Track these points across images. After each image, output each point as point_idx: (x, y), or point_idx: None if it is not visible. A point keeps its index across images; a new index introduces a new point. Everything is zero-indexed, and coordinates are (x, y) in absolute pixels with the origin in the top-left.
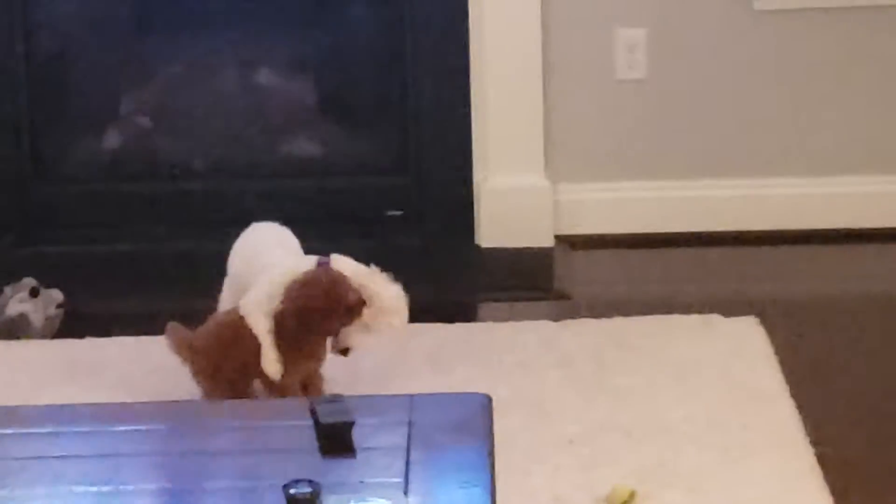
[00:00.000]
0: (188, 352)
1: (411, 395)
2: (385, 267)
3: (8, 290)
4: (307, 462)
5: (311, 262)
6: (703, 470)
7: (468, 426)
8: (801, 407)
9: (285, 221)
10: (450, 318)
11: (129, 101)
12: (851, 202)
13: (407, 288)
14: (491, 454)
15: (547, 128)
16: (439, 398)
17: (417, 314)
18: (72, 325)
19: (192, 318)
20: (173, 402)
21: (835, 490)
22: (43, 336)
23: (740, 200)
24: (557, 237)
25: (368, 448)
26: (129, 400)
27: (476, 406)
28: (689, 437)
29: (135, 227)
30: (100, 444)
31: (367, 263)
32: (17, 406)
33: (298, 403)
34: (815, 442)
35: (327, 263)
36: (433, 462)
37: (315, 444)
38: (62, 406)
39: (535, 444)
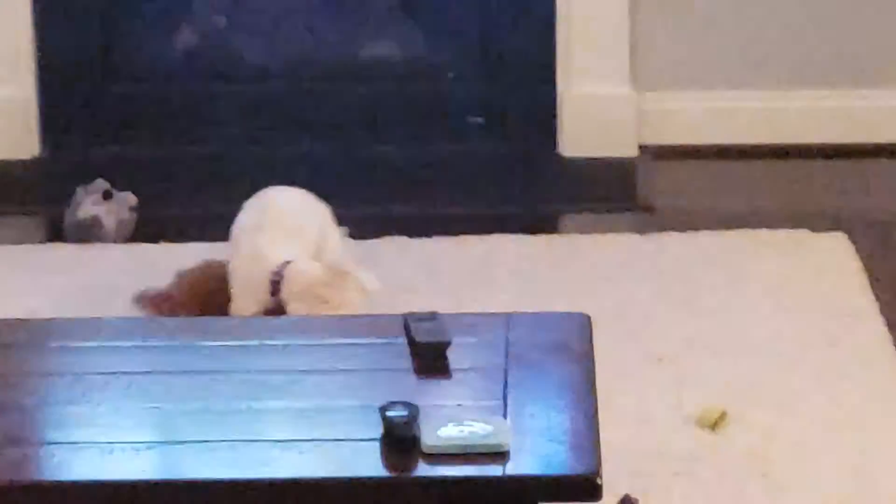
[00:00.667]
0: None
1: (508, 314)
2: (466, 174)
3: (80, 191)
4: (402, 382)
5: (271, 264)
6: (794, 390)
7: (567, 346)
8: (892, 325)
9: (365, 126)
10: (532, 230)
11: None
12: None
13: (488, 196)
14: (592, 376)
15: (633, 34)
16: (537, 318)
17: (499, 224)
18: (145, 229)
19: None
20: (263, 318)
21: None
22: (115, 240)
23: (829, 112)
24: (642, 147)
25: (465, 369)
26: None
27: (575, 326)
28: (779, 357)
29: (210, 129)
30: (186, 360)
31: (445, 172)
32: (98, 318)
33: (392, 321)
34: None
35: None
36: (532, 384)
37: (410, 363)
38: (148, 319)
39: (623, 361)
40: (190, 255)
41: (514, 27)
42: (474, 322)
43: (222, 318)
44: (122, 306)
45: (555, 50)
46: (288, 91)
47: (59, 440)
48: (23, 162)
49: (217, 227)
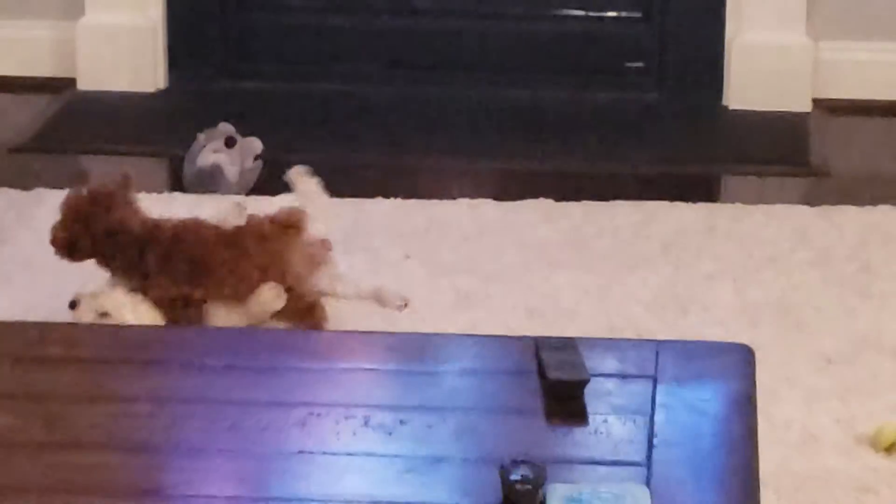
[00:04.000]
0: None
1: (658, 343)
2: (620, 126)
3: (202, 137)
4: (529, 428)
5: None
6: None
7: (726, 388)
8: None
9: (514, 68)
10: (690, 192)
11: None
12: None
13: (644, 152)
14: (754, 429)
15: None
16: (691, 348)
17: (653, 186)
18: (270, 178)
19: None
20: (359, 333)
21: None
22: (238, 191)
23: None
24: (816, 101)
25: (604, 413)
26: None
27: (736, 361)
28: None
29: (344, 65)
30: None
31: (598, 123)
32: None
33: (521, 345)
34: None
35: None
36: (683, 437)
37: (539, 403)
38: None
39: (785, 362)
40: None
41: None
42: (616, 350)
43: (347, 335)
44: None
45: None
46: (431, 27)
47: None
48: (147, 95)
49: (346, 178)
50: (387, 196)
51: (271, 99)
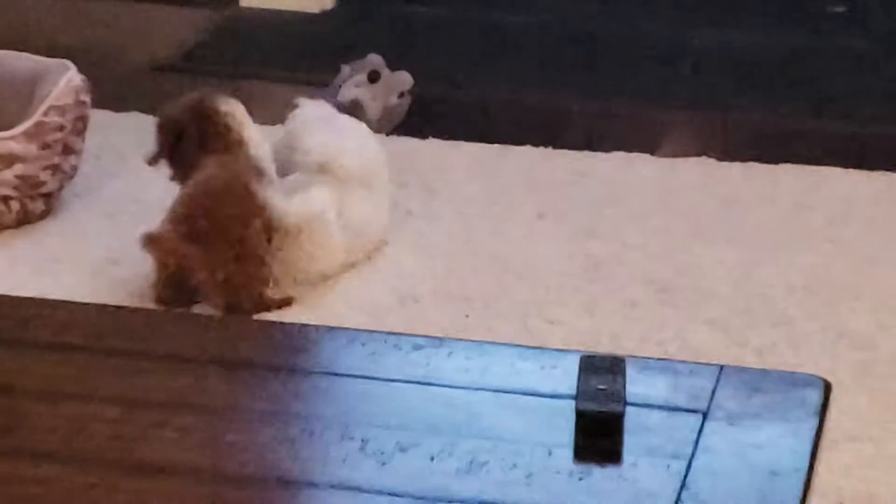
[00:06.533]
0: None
1: (720, 368)
2: (819, 75)
3: (346, 68)
4: (554, 466)
5: None
6: None
7: (784, 432)
8: None
9: (714, 7)
10: (871, 158)
11: None
12: None
13: (843, 104)
14: (808, 485)
15: None
16: (757, 378)
17: (853, 147)
18: (417, 117)
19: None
20: (429, 339)
21: None
22: (378, 129)
23: None
24: None
25: (639, 452)
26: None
27: (806, 398)
28: None
29: None
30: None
31: (795, 70)
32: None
33: (565, 361)
34: None
35: None
36: (719, 489)
37: (570, 435)
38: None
39: None
40: (462, 155)
41: None
42: (670, 374)
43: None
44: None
45: None
46: None
47: None
48: (311, 15)
49: (496, 120)
50: (535, 144)
51: (441, 25)
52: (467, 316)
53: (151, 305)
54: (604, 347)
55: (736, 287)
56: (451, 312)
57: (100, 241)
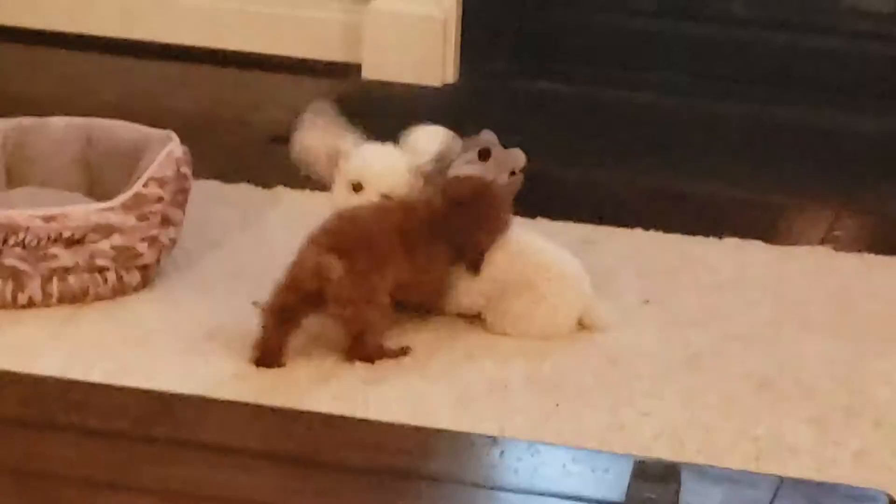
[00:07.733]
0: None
1: (780, 480)
2: None
3: (459, 144)
4: None
5: None
6: None
7: None
8: None
9: (835, 90)
10: None
11: None
12: None
13: None
14: None
15: None
16: (816, 492)
17: None
18: (528, 195)
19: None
20: (482, 437)
21: None
22: None
23: None
24: None
25: None
26: None
27: None
28: None
29: (648, 73)
30: None
31: None
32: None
33: (620, 466)
34: None
35: None
36: None
37: None
38: None
39: None
40: (568, 236)
41: None
42: (727, 484)
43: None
44: None
45: None
46: (752, 38)
47: None
48: (433, 90)
49: (612, 202)
50: (646, 227)
51: (563, 102)
52: (557, 405)
53: (244, 377)
54: (695, 442)
55: (838, 383)
56: (541, 401)
57: (195, 315)
